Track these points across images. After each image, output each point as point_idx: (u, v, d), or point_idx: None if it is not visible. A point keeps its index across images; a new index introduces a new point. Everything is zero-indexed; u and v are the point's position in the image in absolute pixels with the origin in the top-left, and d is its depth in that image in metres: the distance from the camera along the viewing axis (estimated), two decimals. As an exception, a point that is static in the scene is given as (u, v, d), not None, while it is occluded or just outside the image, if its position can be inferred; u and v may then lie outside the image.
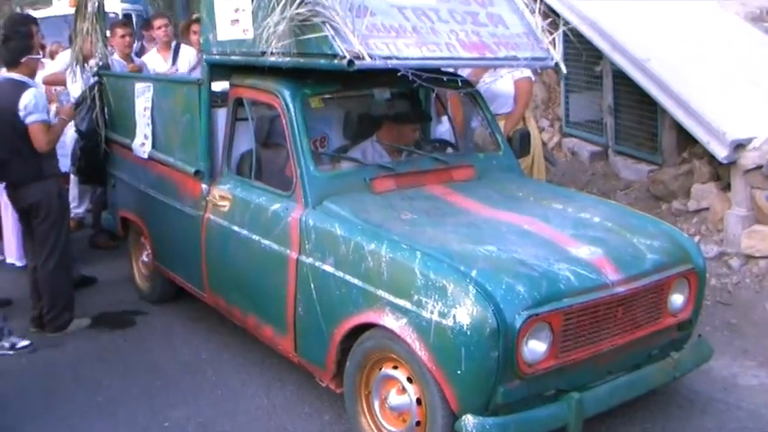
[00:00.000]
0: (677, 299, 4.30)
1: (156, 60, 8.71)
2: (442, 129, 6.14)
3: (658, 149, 8.14)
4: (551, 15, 5.71)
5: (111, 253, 8.01)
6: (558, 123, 9.86)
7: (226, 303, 5.33)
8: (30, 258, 6.37)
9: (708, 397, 4.77)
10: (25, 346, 5.78)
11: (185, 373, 5.36)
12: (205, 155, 5.42)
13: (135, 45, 11.68)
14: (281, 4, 4.36)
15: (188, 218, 5.58)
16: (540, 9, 5.21)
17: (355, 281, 4.08)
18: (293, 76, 4.85)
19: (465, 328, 3.58)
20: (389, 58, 4.30)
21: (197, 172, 5.43)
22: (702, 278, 4.48)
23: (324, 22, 4.25)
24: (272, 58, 4.52)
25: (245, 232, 4.93)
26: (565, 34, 5.17)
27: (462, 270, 3.73)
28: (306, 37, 4.33)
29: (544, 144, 7.26)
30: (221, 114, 5.46)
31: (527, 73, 6.55)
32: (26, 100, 5.76)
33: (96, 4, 7.18)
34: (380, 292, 3.93)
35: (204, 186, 5.40)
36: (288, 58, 4.48)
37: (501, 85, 6.38)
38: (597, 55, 8.62)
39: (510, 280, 3.70)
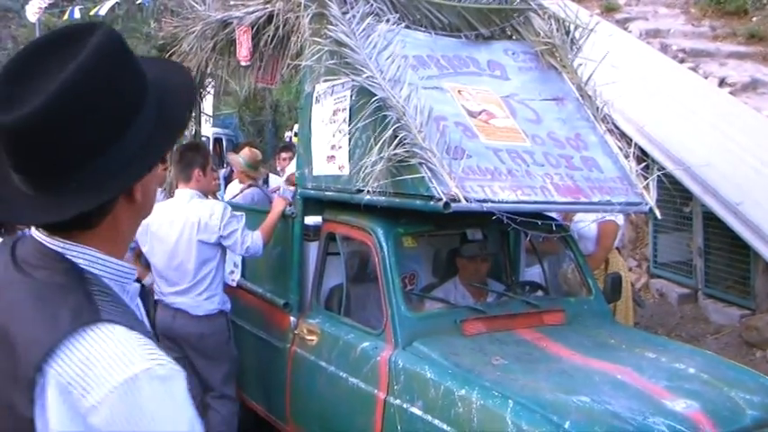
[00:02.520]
0: (779, 459, 4.10)
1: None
2: (532, 271, 6.07)
3: (751, 293, 7.94)
4: (644, 158, 5.66)
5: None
6: (645, 264, 9.71)
7: (308, 437, 5.27)
8: None
9: None
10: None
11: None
12: (295, 288, 5.45)
13: (224, 170, 12.04)
14: (379, 144, 4.41)
15: (274, 349, 5.57)
16: (634, 153, 5.19)
17: (444, 426, 3.97)
18: (387, 214, 4.86)
19: (556, 482, 3.45)
20: (485, 201, 4.27)
21: (286, 304, 5.46)
22: (806, 438, 4.27)
23: (421, 164, 4.27)
24: (368, 197, 4.57)
25: (332, 368, 4.89)
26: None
27: (555, 421, 3.62)
28: (402, 177, 4.35)
29: (632, 285, 7.15)
30: (312, 248, 5.50)
31: (616, 216, 6.45)
32: None
33: (194, 130, 7.44)
34: (470, 439, 3.83)
35: (292, 319, 5.41)
36: (383, 198, 4.52)
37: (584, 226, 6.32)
38: (687, 196, 8.54)
39: (604, 433, 3.57)
